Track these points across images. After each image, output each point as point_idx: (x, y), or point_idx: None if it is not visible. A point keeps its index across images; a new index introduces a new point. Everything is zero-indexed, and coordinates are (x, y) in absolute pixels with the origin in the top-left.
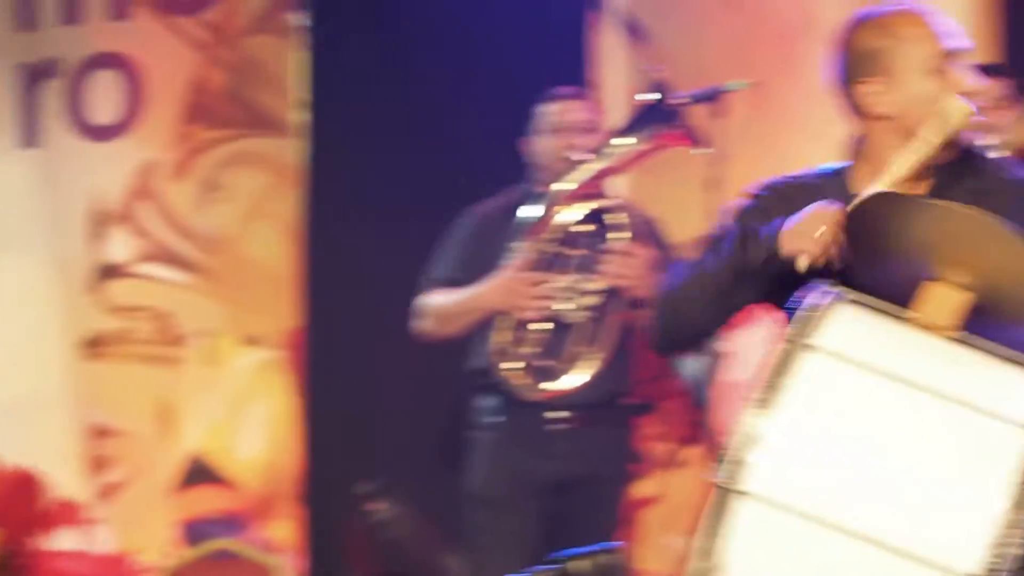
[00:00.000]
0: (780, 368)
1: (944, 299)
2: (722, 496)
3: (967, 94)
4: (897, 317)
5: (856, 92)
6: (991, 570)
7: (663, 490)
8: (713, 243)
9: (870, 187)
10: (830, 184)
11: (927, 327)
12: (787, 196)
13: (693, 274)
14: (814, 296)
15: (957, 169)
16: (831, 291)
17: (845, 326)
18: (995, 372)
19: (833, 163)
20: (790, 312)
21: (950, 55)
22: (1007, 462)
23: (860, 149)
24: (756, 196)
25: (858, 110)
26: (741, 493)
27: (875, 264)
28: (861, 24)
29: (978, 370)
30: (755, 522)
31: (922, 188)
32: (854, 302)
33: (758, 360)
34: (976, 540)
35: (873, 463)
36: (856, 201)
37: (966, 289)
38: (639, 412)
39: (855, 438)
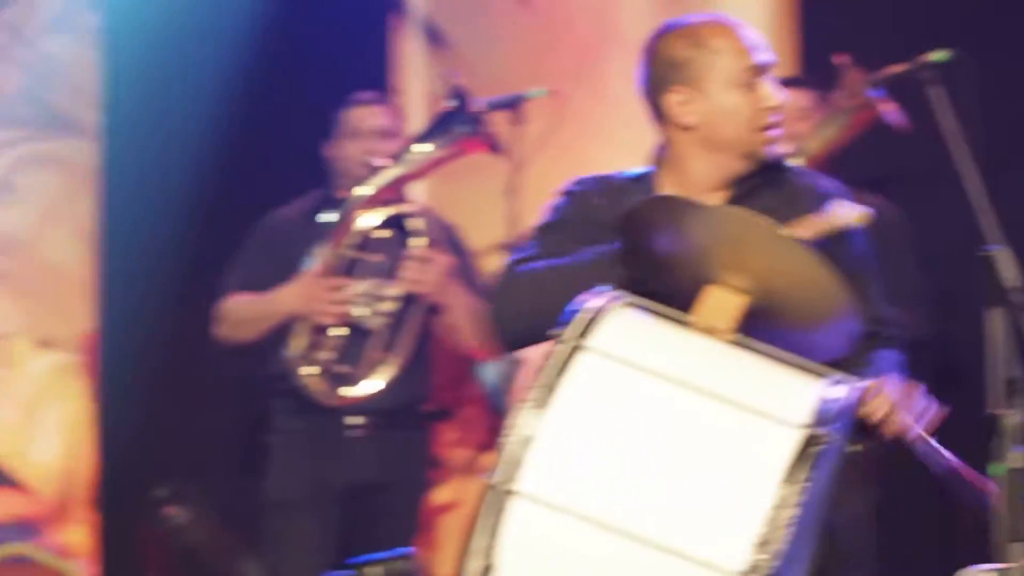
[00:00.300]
0: (555, 368)
1: (722, 302)
2: (496, 496)
3: (773, 109)
4: (676, 320)
5: (662, 101)
6: (757, 568)
7: (461, 496)
8: (554, 240)
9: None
10: (636, 189)
11: (706, 330)
12: (597, 194)
13: (554, 273)
14: (592, 298)
15: (757, 180)
16: (610, 293)
17: (622, 328)
18: (770, 374)
19: (640, 168)
20: (569, 314)
21: (758, 69)
22: (775, 462)
23: (664, 156)
24: (568, 193)
25: (663, 119)
26: (514, 493)
27: (657, 267)
28: (670, 33)
29: (752, 372)
30: (528, 522)
31: (719, 198)
32: (633, 305)
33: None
34: (744, 539)
35: (645, 464)
36: (631, 205)
37: (744, 293)
38: (437, 418)
39: (628, 439)
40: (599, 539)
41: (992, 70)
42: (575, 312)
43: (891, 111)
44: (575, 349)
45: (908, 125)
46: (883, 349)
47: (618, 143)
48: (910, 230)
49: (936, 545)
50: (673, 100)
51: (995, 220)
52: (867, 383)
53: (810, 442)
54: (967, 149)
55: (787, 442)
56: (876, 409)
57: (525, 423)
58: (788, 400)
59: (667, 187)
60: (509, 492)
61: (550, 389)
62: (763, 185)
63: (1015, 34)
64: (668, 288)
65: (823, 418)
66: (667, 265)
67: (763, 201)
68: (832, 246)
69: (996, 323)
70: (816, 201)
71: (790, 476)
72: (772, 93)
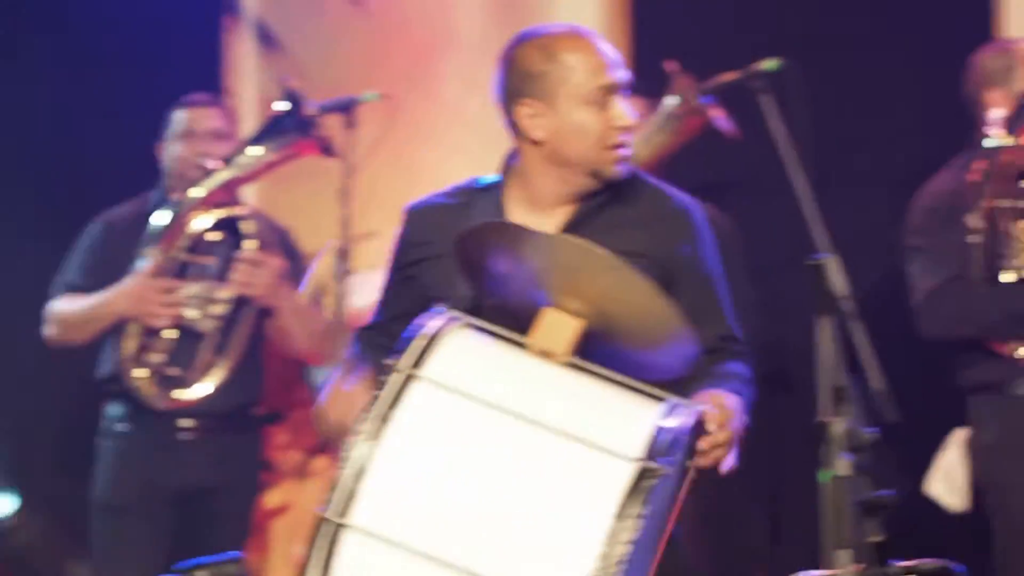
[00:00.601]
0: (388, 399)
1: (558, 325)
2: (328, 529)
3: (623, 129)
4: (514, 343)
5: (514, 112)
6: None
7: (292, 500)
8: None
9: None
10: (483, 199)
11: (542, 353)
12: (436, 218)
13: None
14: (430, 321)
15: (605, 196)
16: (447, 316)
17: (458, 354)
18: (604, 402)
19: (489, 177)
20: (406, 339)
21: (611, 88)
22: (608, 496)
23: (514, 167)
24: (406, 224)
25: (514, 129)
26: (347, 527)
27: (495, 287)
28: (526, 43)
29: (587, 401)
30: (360, 556)
31: (565, 213)
32: (471, 327)
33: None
34: (575, 574)
35: (478, 498)
36: (464, 228)
37: (579, 316)
38: (268, 422)
39: (461, 473)
40: (431, 574)
41: (821, 79)
42: (410, 337)
43: (721, 119)
44: (409, 378)
45: (738, 133)
46: (732, 362)
47: (450, 147)
48: (740, 239)
49: (765, 551)
50: (524, 112)
51: (824, 228)
52: (705, 406)
53: (643, 476)
54: (796, 157)
55: (620, 476)
56: (715, 435)
57: (358, 455)
58: (621, 431)
59: (515, 198)
60: (341, 525)
61: (383, 420)
62: (612, 200)
63: (844, 44)
64: (507, 308)
65: (656, 450)
66: (505, 286)
67: (610, 217)
68: (684, 262)
69: (825, 331)
70: (667, 215)
71: (623, 511)
72: (623, 113)
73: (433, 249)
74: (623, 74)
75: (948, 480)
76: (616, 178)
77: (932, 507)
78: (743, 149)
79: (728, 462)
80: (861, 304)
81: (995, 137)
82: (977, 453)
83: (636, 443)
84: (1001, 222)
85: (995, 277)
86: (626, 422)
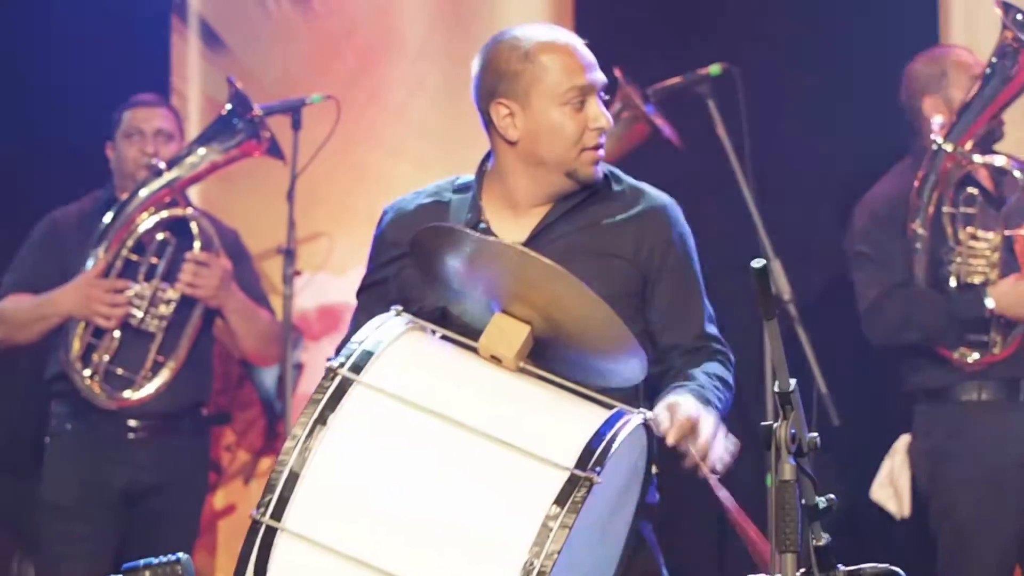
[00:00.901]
0: (327, 402)
1: (508, 331)
2: (261, 532)
3: (598, 130)
4: (464, 346)
5: (490, 111)
6: None
7: (239, 501)
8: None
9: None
10: (459, 199)
11: (492, 356)
12: (411, 218)
13: None
14: (375, 324)
15: (582, 195)
16: (398, 319)
17: (404, 358)
18: (547, 410)
19: (467, 176)
20: (350, 342)
21: (586, 89)
22: (538, 504)
23: (490, 166)
24: (381, 223)
25: (490, 129)
26: (280, 530)
27: (450, 290)
28: (503, 42)
29: (530, 408)
30: (292, 560)
31: (540, 212)
32: (422, 329)
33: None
34: None
35: (411, 505)
36: (414, 233)
37: (528, 323)
38: (217, 422)
39: (395, 479)
40: None
41: (764, 84)
42: (355, 340)
43: (666, 127)
44: (348, 382)
45: (681, 138)
46: (709, 362)
47: (395, 149)
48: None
49: (712, 555)
50: (499, 112)
51: (768, 232)
52: (659, 412)
53: (573, 485)
54: (740, 161)
55: (550, 485)
56: (677, 437)
57: (294, 459)
58: (558, 439)
59: (491, 198)
60: (274, 529)
61: (322, 423)
62: (588, 199)
63: (787, 48)
64: (463, 310)
65: (590, 459)
66: (462, 289)
67: (586, 216)
68: (661, 260)
69: (771, 335)
70: (644, 212)
71: (550, 520)
72: (599, 114)
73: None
74: (599, 76)
75: (891, 486)
76: (592, 179)
77: (877, 512)
78: (686, 153)
79: (715, 461)
80: (806, 308)
81: (937, 144)
82: (921, 458)
83: (570, 452)
84: (946, 228)
85: (940, 283)
86: (565, 430)
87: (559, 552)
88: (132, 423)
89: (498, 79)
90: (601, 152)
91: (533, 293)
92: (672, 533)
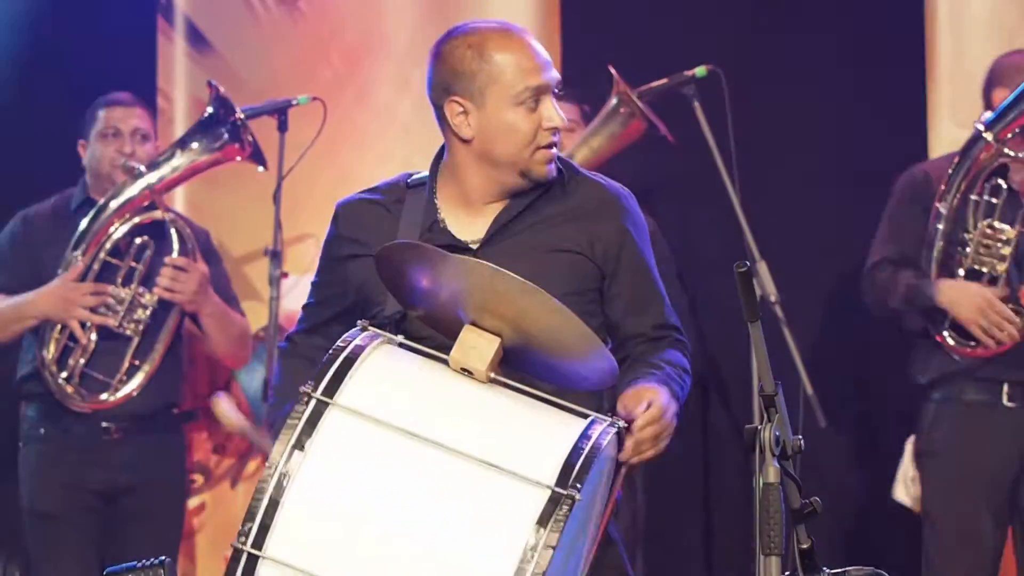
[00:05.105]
0: (303, 427)
1: (478, 343)
2: (241, 559)
3: (552, 130)
4: (436, 359)
5: (443, 108)
6: None
7: (222, 505)
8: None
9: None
10: (413, 197)
11: (463, 370)
12: (365, 215)
13: None
14: (350, 341)
15: (537, 192)
16: (367, 335)
17: (376, 377)
18: (522, 423)
19: (420, 173)
20: (322, 363)
21: (540, 88)
22: (518, 522)
23: (444, 162)
24: (335, 220)
25: (443, 125)
26: (260, 557)
27: (419, 302)
28: (457, 39)
29: (503, 422)
30: None
31: (491, 211)
32: (392, 343)
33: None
34: None
35: (391, 530)
36: (380, 249)
37: (497, 334)
38: (188, 419)
39: (375, 504)
40: None
41: (750, 85)
42: (327, 360)
43: (661, 125)
44: (324, 405)
45: (670, 138)
46: (669, 350)
47: (382, 151)
48: (666, 245)
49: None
50: (453, 110)
51: (752, 233)
52: (631, 415)
53: (555, 502)
54: (725, 163)
55: (533, 504)
56: (642, 431)
57: (272, 486)
58: (536, 456)
59: (445, 196)
60: (256, 556)
61: (299, 448)
62: (544, 195)
63: (774, 49)
64: (434, 317)
65: (570, 475)
66: (428, 300)
67: (541, 212)
68: (619, 252)
69: (755, 337)
70: (600, 205)
71: (534, 541)
72: (553, 114)
73: (362, 247)
74: (553, 75)
75: (907, 484)
76: (546, 178)
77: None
78: (673, 154)
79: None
80: (792, 309)
81: (979, 130)
82: (919, 457)
83: (550, 468)
84: (968, 215)
85: (952, 267)
86: (542, 445)
87: (544, 574)
88: (106, 424)
89: (453, 76)
90: (554, 151)
91: (502, 306)
92: (658, 534)
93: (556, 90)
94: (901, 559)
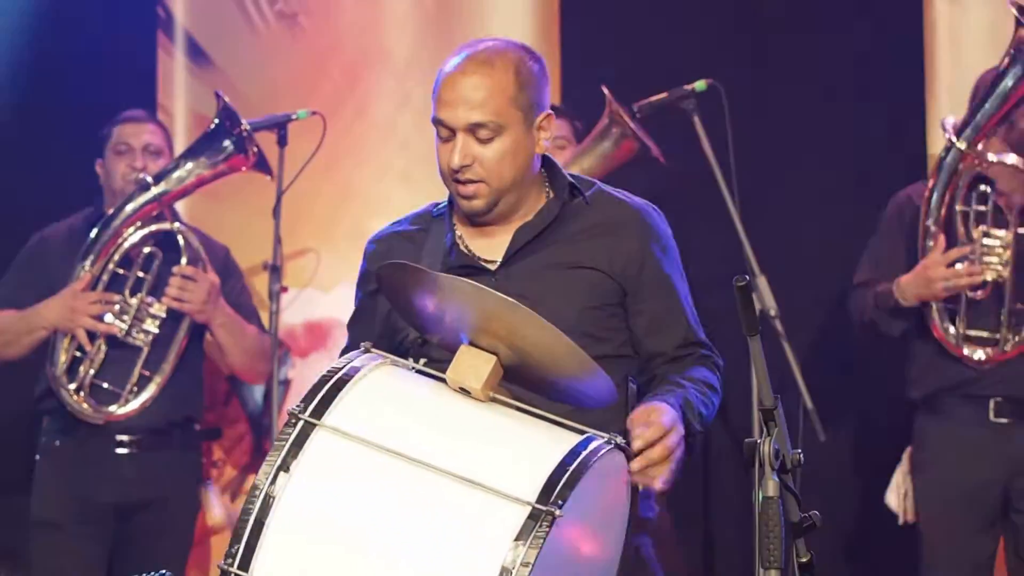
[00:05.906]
0: (290, 448)
1: (475, 361)
2: None
3: (449, 168)
4: (434, 377)
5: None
6: None
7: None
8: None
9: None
10: (437, 225)
11: (460, 388)
12: (393, 247)
13: None
14: (343, 362)
15: (552, 213)
16: (366, 356)
17: (369, 398)
18: (513, 439)
19: (444, 202)
20: (319, 380)
21: (437, 122)
22: (498, 539)
23: None
24: (366, 255)
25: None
26: None
27: (428, 325)
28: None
29: (493, 439)
30: None
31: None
32: (392, 364)
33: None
34: None
35: (376, 550)
36: (377, 270)
37: (494, 353)
38: (209, 437)
39: (360, 524)
40: None
41: (749, 99)
42: (317, 383)
43: (651, 140)
44: (310, 427)
45: (661, 160)
46: (695, 368)
47: (382, 165)
48: None
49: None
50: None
51: (752, 247)
52: (634, 431)
53: (535, 519)
54: (725, 177)
55: (513, 521)
56: (646, 454)
57: (258, 508)
58: (521, 473)
59: (461, 221)
60: None
61: (284, 470)
62: (563, 214)
63: (773, 64)
64: (439, 339)
65: (552, 492)
66: (435, 322)
67: (561, 232)
68: (642, 269)
69: (755, 351)
70: (623, 222)
71: (512, 557)
72: (448, 155)
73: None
74: (457, 115)
75: (898, 494)
76: (468, 212)
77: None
78: (671, 169)
79: (664, 479)
80: (792, 323)
81: (951, 142)
82: (911, 472)
83: (532, 485)
84: (958, 226)
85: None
86: (529, 462)
87: None
88: (121, 438)
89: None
90: (469, 188)
91: (494, 325)
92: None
93: (480, 132)
94: (901, 574)
